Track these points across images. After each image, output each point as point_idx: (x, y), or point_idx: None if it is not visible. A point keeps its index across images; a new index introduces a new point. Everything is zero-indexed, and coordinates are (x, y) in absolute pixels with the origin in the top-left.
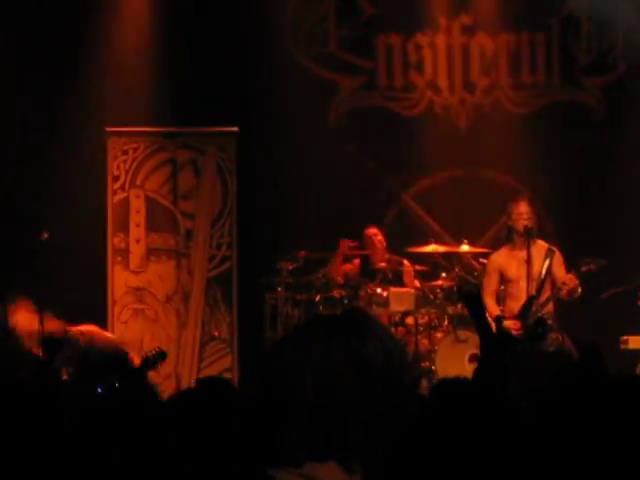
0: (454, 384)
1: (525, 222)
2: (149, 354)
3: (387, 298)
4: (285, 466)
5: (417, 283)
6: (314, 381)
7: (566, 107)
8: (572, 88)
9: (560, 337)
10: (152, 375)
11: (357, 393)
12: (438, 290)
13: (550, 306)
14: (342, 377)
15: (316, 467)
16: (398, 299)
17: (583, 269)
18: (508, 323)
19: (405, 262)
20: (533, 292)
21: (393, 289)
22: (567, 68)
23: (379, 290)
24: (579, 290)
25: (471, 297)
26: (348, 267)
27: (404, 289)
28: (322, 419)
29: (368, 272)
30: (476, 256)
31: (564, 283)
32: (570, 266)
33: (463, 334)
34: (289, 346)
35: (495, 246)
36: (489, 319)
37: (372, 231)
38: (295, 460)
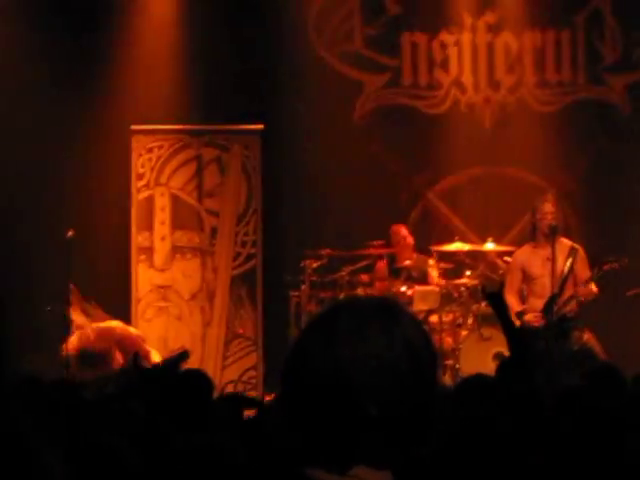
0: (478, 382)
1: (550, 220)
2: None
3: (412, 296)
4: (327, 469)
5: (442, 281)
6: (377, 380)
7: (591, 105)
8: (597, 86)
9: (584, 335)
10: None
11: (416, 389)
12: (462, 288)
13: (573, 304)
14: (403, 373)
15: (367, 472)
16: (423, 297)
17: (606, 267)
18: (529, 317)
19: (430, 261)
20: (556, 290)
21: (418, 287)
22: (592, 66)
23: (403, 288)
24: (596, 295)
25: (494, 296)
26: (380, 265)
27: (429, 287)
28: (386, 421)
29: (393, 270)
30: (500, 254)
31: (580, 294)
32: (594, 264)
33: (487, 332)
34: (342, 344)
35: (519, 244)
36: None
37: (402, 232)
38: (344, 464)
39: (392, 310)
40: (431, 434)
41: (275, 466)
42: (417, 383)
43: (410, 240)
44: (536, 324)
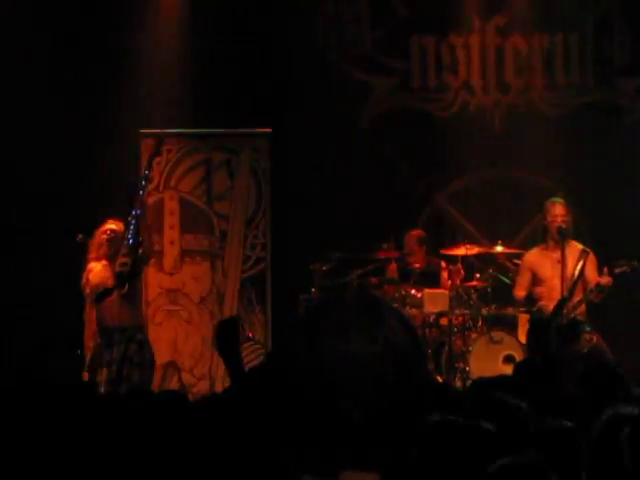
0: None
1: (560, 223)
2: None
3: (421, 299)
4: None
5: (452, 284)
6: (359, 382)
7: (600, 108)
8: (606, 89)
9: (593, 338)
10: (186, 376)
11: (400, 391)
12: (472, 291)
13: (583, 307)
14: (385, 375)
15: (355, 476)
16: (432, 300)
17: (617, 271)
18: (544, 302)
19: (442, 263)
20: (566, 293)
21: (427, 290)
22: (601, 69)
23: (413, 291)
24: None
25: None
26: (390, 268)
27: (438, 290)
28: (370, 423)
29: (403, 273)
30: (510, 257)
31: (599, 284)
32: (604, 267)
33: (497, 335)
34: (325, 345)
35: (529, 247)
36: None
37: (419, 236)
38: (331, 469)
39: (376, 310)
40: (419, 434)
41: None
42: (401, 385)
43: (425, 246)
44: (548, 311)
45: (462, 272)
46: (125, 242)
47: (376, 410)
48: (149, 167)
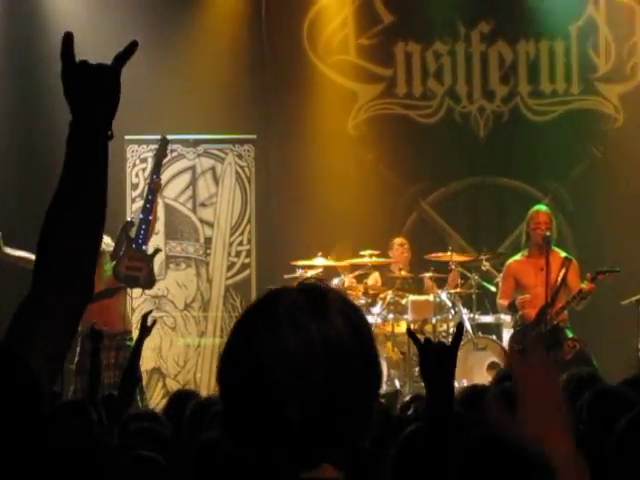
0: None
1: (543, 231)
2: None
3: (406, 306)
4: None
5: (436, 291)
6: (295, 380)
7: (585, 115)
8: (591, 96)
9: (576, 345)
10: (171, 384)
11: (341, 388)
12: (457, 298)
13: (564, 314)
14: (323, 373)
15: (311, 473)
16: (417, 307)
17: (599, 277)
18: (528, 312)
19: (427, 275)
20: (549, 300)
21: (412, 297)
22: (586, 76)
23: (397, 298)
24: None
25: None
26: (375, 275)
27: (423, 297)
28: (310, 423)
29: (388, 280)
30: (494, 264)
31: (581, 291)
32: (587, 274)
33: (482, 342)
34: (261, 342)
35: (513, 254)
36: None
37: (403, 243)
38: (289, 474)
39: (316, 304)
40: (370, 429)
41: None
42: (342, 382)
43: (409, 254)
44: (530, 319)
45: (458, 278)
46: (134, 246)
47: (312, 407)
48: (158, 171)
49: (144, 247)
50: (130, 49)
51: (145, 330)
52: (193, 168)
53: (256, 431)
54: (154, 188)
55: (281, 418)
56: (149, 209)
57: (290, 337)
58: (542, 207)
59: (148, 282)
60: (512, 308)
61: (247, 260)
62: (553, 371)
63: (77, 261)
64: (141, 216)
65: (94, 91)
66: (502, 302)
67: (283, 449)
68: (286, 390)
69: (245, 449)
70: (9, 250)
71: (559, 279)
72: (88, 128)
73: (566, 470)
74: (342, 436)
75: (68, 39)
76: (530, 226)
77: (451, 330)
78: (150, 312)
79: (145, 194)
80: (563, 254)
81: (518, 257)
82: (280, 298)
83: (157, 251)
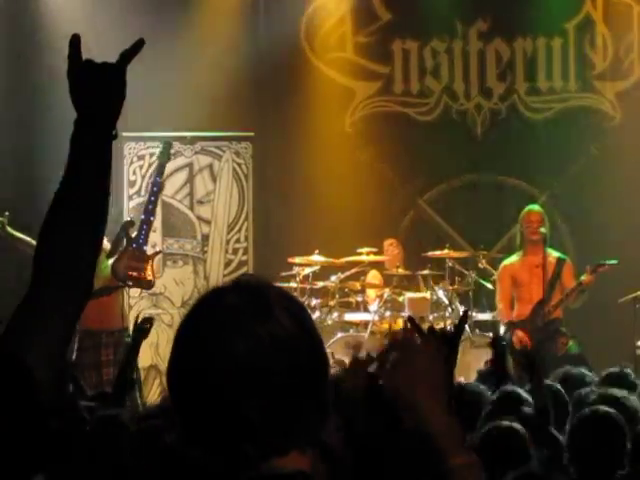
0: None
1: (536, 230)
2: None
3: (402, 303)
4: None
5: (432, 288)
6: (249, 383)
7: (582, 112)
8: (588, 94)
9: (569, 342)
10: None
11: (292, 378)
12: (454, 295)
13: (559, 311)
14: (275, 373)
15: (278, 461)
16: (414, 305)
17: (599, 270)
18: (519, 335)
19: (424, 271)
20: (543, 297)
21: (409, 295)
22: (583, 74)
23: (394, 295)
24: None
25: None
26: (371, 273)
27: (419, 295)
28: (269, 423)
29: (384, 277)
30: (492, 261)
31: (582, 283)
32: (586, 267)
33: (479, 340)
34: (211, 345)
35: (510, 251)
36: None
37: (400, 241)
38: (252, 466)
39: (259, 305)
40: (326, 422)
41: None
42: (295, 376)
43: (400, 252)
44: (523, 343)
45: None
46: (134, 245)
47: (271, 404)
48: (161, 173)
49: (145, 247)
50: (136, 47)
51: (141, 332)
52: (190, 165)
53: (216, 434)
54: (157, 190)
55: (241, 418)
56: (151, 210)
57: (238, 343)
58: (534, 207)
59: (149, 282)
60: (508, 326)
61: (244, 257)
62: (437, 361)
63: (77, 260)
64: (143, 217)
65: (99, 89)
66: (503, 307)
67: (249, 447)
68: (240, 392)
69: (206, 452)
70: (12, 230)
71: (553, 279)
72: (92, 127)
73: (440, 436)
74: (304, 426)
75: (75, 41)
76: (523, 226)
77: (448, 328)
78: (151, 320)
79: (147, 195)
80: (557, 254)
81: (513, 257)
82: (220, 302)
83: (158, 252)
